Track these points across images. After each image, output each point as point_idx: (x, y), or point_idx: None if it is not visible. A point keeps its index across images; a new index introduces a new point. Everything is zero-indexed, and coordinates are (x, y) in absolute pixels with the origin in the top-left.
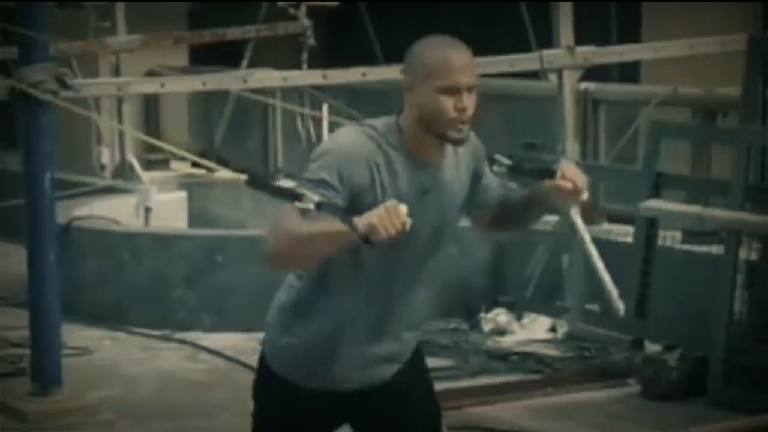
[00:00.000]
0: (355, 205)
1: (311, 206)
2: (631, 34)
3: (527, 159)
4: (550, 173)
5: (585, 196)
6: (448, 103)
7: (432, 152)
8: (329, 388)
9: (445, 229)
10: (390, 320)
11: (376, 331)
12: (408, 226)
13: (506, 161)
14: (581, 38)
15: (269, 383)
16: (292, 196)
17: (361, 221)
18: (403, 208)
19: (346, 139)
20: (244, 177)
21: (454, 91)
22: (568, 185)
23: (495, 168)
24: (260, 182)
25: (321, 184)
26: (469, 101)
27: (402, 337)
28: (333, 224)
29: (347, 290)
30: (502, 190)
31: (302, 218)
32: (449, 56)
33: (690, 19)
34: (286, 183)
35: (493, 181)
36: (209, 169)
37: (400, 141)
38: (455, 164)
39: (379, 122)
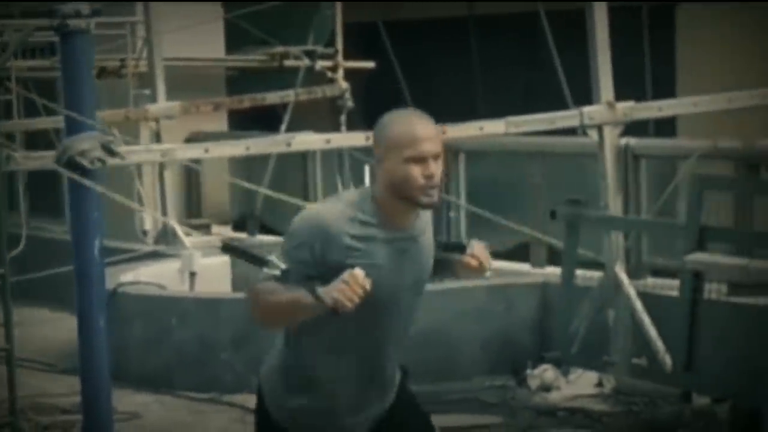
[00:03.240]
0: (329, 270)
1: (278, 272)
2: (666, 86)
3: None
4: (461, 248)
5: (488, 274)
6: (416, 171)
7: (405, 216)
8: None
9: (422, 284)
10: (379, 370)
11: (367, 382)
12: (368, 287)
13: None
14: (616, 93)
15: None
16: (262, 262)
17: (326, 296)
18: (360, 273)
19: (317, 214)
20: (218, 244)
21: (421, 159)
22: (475, 263)
23: None
24: (233, 249)
25: (288, 255)
26: (436, 168)
27: (388, 383)
28: (301, 296)
29: (336, 350)
30: None
31: (276, 284)
32: (414, 128)
33: (724, 70)
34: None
35: None
36: (250, 233)
37: (374, 208)
38: (424, 224)
39: (355, 193)
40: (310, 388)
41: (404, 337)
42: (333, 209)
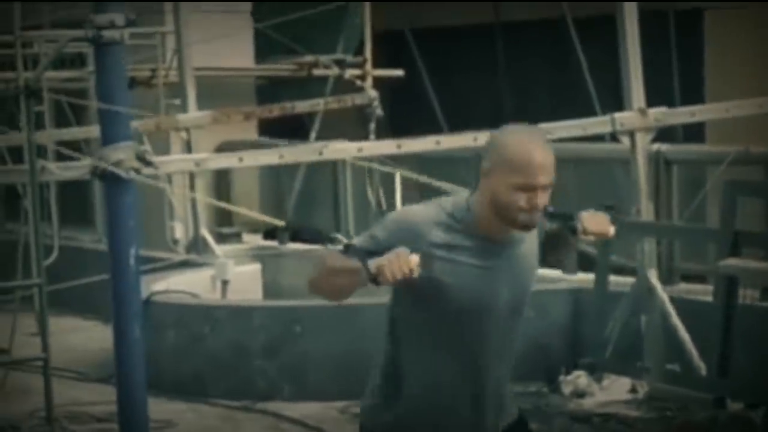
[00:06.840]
0: None
1: (340, 247)
2: (694, 92)
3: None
4: (573, 229)
5: (611, 233)
6: (521, 198)
7: (501, 230)
8: None
9: (523, 299)
10: (483, 387)
11: (473, 399)
12: (416, 274)
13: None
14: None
15: None
16: (327, 239)
17: (373, 262)
18: (415, 258)
19: (408, 213)
20: (281, 223)
21: (529, 189)
22: (591, 239)
23: None
24: (298, 228)
25: (370, 237)
26: (543, 198)
27: (492, 401)
28: (352, 262)
29: (435, 365)
30: None
31: (339, 254)
32: (531, 155)
33: (753, 74)
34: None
35: None
36: (280, 242)
37: (468, 218)
38: (527, 237)
39: (451, 200)
40: (414, 402)
41: (507, 355)
42: (424, 213)
